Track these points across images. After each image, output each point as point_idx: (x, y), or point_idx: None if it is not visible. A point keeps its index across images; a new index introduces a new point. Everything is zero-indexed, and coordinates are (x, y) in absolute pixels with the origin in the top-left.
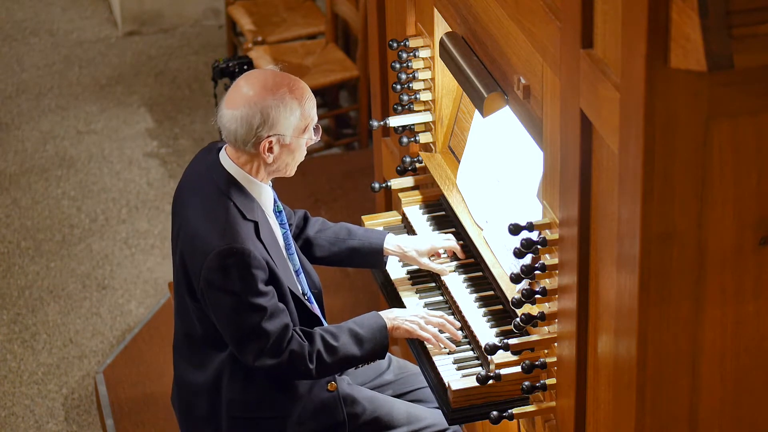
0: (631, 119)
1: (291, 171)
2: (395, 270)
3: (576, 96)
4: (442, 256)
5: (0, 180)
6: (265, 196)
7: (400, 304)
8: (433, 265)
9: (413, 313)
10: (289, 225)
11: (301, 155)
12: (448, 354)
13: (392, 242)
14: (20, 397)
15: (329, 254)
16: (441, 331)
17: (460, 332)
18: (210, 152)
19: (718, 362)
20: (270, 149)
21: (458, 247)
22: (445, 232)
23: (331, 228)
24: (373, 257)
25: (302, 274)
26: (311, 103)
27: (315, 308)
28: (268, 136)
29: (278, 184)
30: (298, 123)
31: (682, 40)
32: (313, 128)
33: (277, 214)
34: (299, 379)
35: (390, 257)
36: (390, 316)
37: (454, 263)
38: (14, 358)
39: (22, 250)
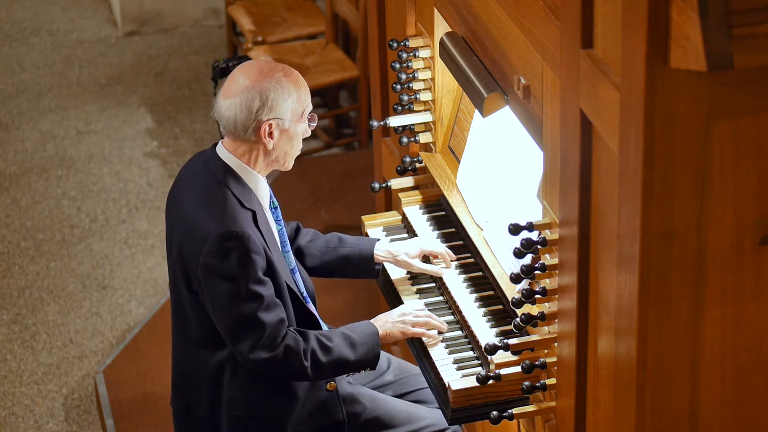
0: (631, 119)
1: (289, 163)
2: (395, 270)
3: (576, 96)
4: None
5: (0, 180)
6: (262, 188)
7: (400, 304)
8: (428, 267)
9: (400, 313)
10: None
11: (298, 145)
12: (441, 339)
13: (382, 248)
14: (20, 397)
15: (321, 263)
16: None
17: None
18: (204, 153)
19: (718, 362)
20: (270, 134)
21: (444, 254)
22: (445, 232)
23: (323, 237)
24: (364, 265)
25: (298, 273)
26: (306, 89)
27: (312, 307)
28: (268, 120)
29: (278, 184)
30: (296, 107)
31: (682, 40)
32: (308, 118)
33: (273, 210)
34: (294, 379)
35: (385, 264)
36: (378, 323)
37: (454, 263)
38: (14, 358)
39: (22, 250)
